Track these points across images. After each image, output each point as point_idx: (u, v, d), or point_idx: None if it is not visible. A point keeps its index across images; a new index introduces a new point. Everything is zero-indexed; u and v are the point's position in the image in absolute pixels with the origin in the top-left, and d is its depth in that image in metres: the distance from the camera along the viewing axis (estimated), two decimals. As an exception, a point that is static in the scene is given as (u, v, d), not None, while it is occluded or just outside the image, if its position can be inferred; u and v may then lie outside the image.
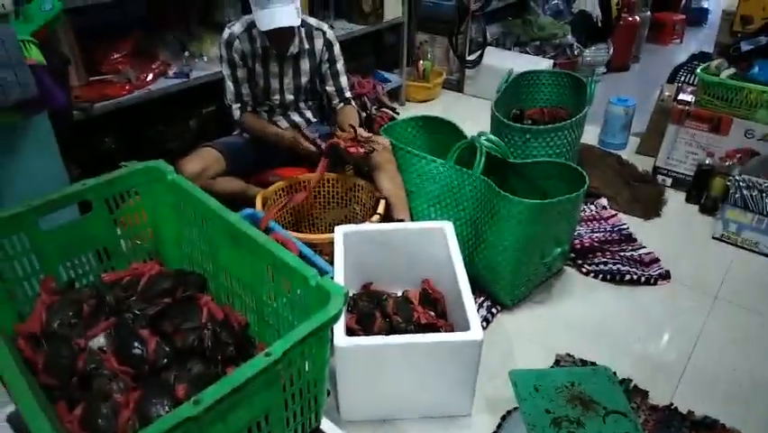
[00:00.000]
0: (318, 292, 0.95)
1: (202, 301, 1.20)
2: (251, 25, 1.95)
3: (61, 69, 1.76)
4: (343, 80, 2.17)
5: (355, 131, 1.92)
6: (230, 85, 2.02)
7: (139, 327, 1.15)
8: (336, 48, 2.11)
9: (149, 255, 1.40)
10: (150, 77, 2.22)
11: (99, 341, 1.14)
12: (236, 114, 2.05)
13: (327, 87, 2.18)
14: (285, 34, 1.92)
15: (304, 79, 2.10)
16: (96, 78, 2.15)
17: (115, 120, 2.17)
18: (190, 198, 1.24)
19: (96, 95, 2.04)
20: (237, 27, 1.96)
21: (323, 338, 0.92)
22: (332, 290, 0.92)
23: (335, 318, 0.89)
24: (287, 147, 2.03)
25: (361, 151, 1.90)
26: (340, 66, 2.14)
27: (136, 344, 1.11)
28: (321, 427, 1.08)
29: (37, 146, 1.39)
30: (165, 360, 1.09)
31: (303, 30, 2.03)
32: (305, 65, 2.07)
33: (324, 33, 2.07)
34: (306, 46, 2.04)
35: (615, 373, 1.47)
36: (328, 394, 1.46)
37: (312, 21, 2.07)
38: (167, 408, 0.98)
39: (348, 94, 2.20)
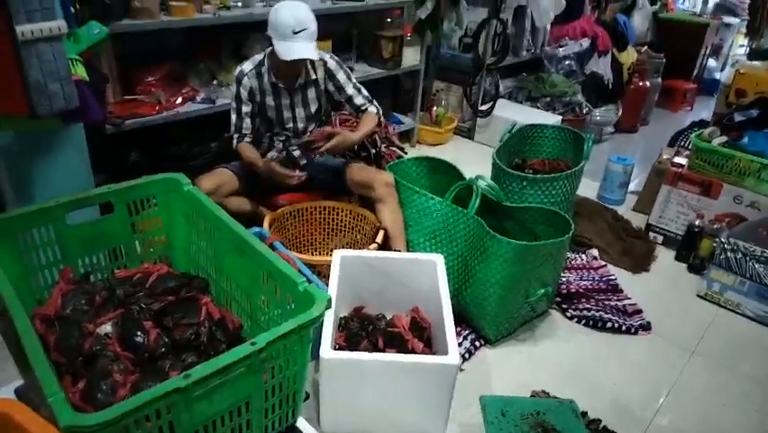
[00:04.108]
0: (305, 297, 1.06)
1: (202, 301, 1.32)
2: (260, 64, 2.12)
3: (100, 86, 1.95)
4: (358, 100, 2.25)
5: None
6: (233, 118, 2.17)
7: (143, 319, 1.27)
8: (341, 75, 2.20)
9: (159, 258, 1.53)
10: (179, 100, 2.40)
11: (106, 328, 1.26)
12: (234, 142, 2.19)
13: (348, 108, 2.33)
14: (296, 66, 2.07)
15: (313, 107, 2.26)
16: (130, 97, 2.34)
17: (143, 136, 2.34)
18: (203, 209, 1.38)
19: (127, 112, 2.23)
20: (247, 65, 2.13)
21: (304, 337, 1.03)
22: (316, 296, 1.04)
23: (317, 319, 1.00)
24: (265, 174, 2.11)
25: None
26: (350, 89, 2.23)
27: (139, 333, 1.22)
28: (297, 425, 1.18)
29: (71, 151, 1.55)
30: (163, 349, 1.20)
31: (307, 61, 2.16)
32: (311, 94, 2.23)
33: (324, 63, 2.18)
34: (312, 76, 2.19)
35: (580, 411, 1.54)
36: (307, 397, 1.55)
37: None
38: (160, 390, 1.09)
39: (366, 106, 2.26)
